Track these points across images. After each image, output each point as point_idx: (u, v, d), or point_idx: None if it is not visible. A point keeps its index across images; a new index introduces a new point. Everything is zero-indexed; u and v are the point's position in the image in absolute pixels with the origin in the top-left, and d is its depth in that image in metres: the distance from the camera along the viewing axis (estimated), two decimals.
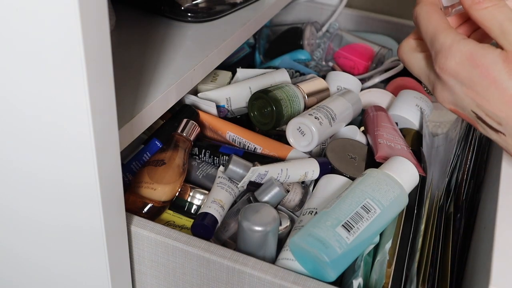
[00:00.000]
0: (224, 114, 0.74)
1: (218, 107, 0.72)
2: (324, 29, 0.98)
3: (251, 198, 0.58)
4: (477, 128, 0.46)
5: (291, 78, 0.79)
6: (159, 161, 0.61)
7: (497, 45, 0.44)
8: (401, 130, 0.71)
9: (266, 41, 0.98)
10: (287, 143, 0.67)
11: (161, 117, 0.60)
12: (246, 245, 0.52)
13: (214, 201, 0.58)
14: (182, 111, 0.69)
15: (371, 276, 0.51)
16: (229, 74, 0.79)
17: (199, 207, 0.62)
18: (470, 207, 0.63)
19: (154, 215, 0.58)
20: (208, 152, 0.67)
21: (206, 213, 0.56)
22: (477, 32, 0.51)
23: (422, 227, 0.55)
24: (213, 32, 0.68)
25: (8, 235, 0.53)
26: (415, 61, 0.49)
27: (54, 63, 0.38)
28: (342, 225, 0.49)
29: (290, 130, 0.66)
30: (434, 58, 0.45)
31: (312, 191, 0.62)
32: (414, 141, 0.70)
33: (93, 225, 0.46)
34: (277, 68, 0.84)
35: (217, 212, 0.56)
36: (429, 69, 0.48)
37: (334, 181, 0.60)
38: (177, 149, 0.63)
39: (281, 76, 0.76)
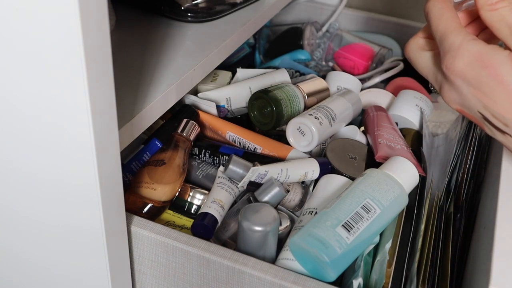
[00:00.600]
0: (224, 114, 0.74)
1: (218, 107, 0.72)
2: (324, 29, 0.98)
3: (251, 198, 0.58)
4: (484, 129, 0.46)
5: (291, 78, 0.79)
6: (159, 161, 0.61)
7: (505, 47, 0.43)
8: (401, 130, 0.71)
9: (266, 41, 0.98)
10: (287, 143, 0.67)
11: (161, 117, 0.60)
12: (246, 245, 0.52)
13: (214, 201, 0.58)
14: (182, 111, 0.69)
15: (371, 276, 0.51)
16: (229, 74, 0.79)
17: (199, 207, 0.62)
18: (470, 207, 0.63)
19: (154, 215, 0.58)
20: (208, 152, 0.67)
21: (206, 213, 0.56)
22: (485, 32, 0.50)
23: (422, 227, 0.55)
24: (213, 32, 0.68)
25: (8, 235, 0.53)
26: (423, 60, 0.49)
27: (54, 63, 0.38)
28: (342, 225, 0.49)
29: (290, 130, 0.66)
30: (442, 57, 0.44)
31: (312, 191, 0.62)
32: (414, 141, 0.70)
33: (93, 225, 0.46)
34: (277, 68, 0.84)
35: (217, 212, 0.56)
36: (437, 68, 0.47)
37: (334, 181, 0.60)
38: (177, 149, 0.63)
39: (281, 76, 0.76)
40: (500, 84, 0.41)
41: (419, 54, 0.49)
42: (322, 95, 0.73)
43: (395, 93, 0.79)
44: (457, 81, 0.44)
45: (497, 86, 0.41)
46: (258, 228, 0.51)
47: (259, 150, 0.68)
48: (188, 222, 0.61)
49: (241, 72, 0.79)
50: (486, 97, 0.43)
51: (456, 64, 0.43)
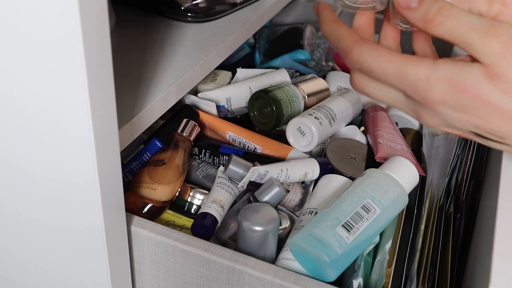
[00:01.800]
0: (224, 114, 0.74)
1: (218, 107, 0.72)
2: None
3: (251, 198, 0.58)
4: (476, 141, 0.43)
5: (291, 78, 0.79)
6: (159, 161, 0.61)
7: (471, 59, 0.40)
8: (401, 130, 0.71)
9: (266, 41, 0.98)
10: (287, 143, 0.67)
11: (161, 117, 0.60)
12: (246, 245, 0.52)
13: (214, 201, 0.58)
14: (182, 111, 0.69)
15: (371, 276, 0.51)
16: (229, 74, 0.79)
17: (199, 207, 0.62)
18: (470, 207, 0.63)
19: (154, 215, 0.58)
20: (208, 152, 0.67)
21: (206, 213, 0.56)
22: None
23: (422, 227, 0.55)
24: (213, 32, 0.68)
25: (8, 235, 0.53)
26: (381, 92, 0.44)
27: (54, 63, 0.38)
28: (342, 225, 0.49)
29: (290, 130, 0.66)
30: (412, 93, 0.41)
31: (312, 191, 0.62)
32: (414, 141, 0.70)
33: (93, 225, 0.46)
34: (277, 68, 0.84)
35: (217, 212, 0.56)
36: (405, 98, 0.43)
37: (334, 181, 0.60)
38: (177, 149, 0.63)
39: (281, 76, 0.76)
40: (486, 105, 0.39)
41: (373, 86, 0.44)
42: (322, 95, 0.73)
43: None
44: (438, 108, 0.41)
45: (484, 107, 0.39)
46: (258, 228, 0.51)
47: (259, 150, 0.67)
48: (188, 222, 0.61)
49: (241, 72, 0.79)
50: (475, 118, 0.40)
51: (434, 95, 0.40)
